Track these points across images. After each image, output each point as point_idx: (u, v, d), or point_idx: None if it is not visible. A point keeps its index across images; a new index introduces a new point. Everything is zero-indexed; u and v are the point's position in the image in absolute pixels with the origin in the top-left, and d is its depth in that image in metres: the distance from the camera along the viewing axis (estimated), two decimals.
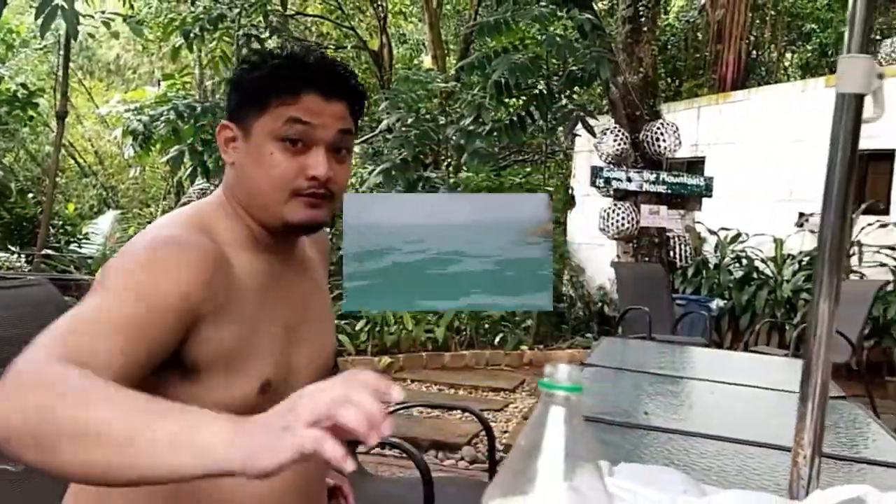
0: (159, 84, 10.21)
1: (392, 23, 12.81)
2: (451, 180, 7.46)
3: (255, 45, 6.19)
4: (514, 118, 6.10)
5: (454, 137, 6.24)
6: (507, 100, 6.61)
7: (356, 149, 4.45)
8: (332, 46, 11.87)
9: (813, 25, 14.42)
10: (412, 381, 5.54)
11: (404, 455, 1.88)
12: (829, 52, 13.94)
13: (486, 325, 6.64)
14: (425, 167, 7.45)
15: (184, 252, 1.00)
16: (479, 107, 6.16)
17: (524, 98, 6.31)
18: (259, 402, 1.06)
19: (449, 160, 7.79)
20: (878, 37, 13.34)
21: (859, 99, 1.00)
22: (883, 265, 7.10)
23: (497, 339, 6.57)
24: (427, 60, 11.45)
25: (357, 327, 6.02)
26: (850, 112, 0.99)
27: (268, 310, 1.10)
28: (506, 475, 0.62)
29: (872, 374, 6.49)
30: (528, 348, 6.53)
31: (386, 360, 5.74)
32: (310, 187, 1.08)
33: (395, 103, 6.34)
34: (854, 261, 7.31)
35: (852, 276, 7.11)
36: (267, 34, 6.45)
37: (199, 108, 6.04)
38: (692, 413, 2.10)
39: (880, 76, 0.98)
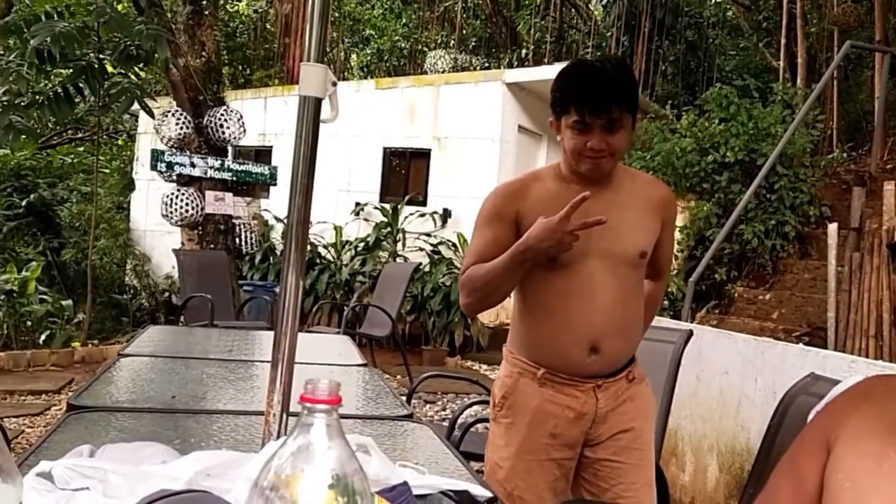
0: None
1: None
2: None
3: None
4: (59, 91, 5.50)
5: None
6: (52, 71, 5.91)
7: None
8: None
9: (372, 31, 15.89)
10: None
11: None
12: (385, 58, 15.51)
13: (29, 323, 5.92)
14: None
15: None
16: (17, 75, 5.42)
17: (71, 70, 5.72)
18: None
19: None
20: (425, 49, 15.33)
21: (318, 101, 1.15)
22: (421, 249, 8.18)
23: (43, 338, 5.89)
24: None
25: None
26: (310, 112, 1.14)
27: None
28: None
29: (414, 344, 7.47)
30: (81, 345, 6.00)
31: None
32: None
33: None
34: (399, 246, 8.30)
35: (397, 260, 8.06)
36: None
37: None
38: (221, 392, 2.17)
39: (334, 83, 1.14)
